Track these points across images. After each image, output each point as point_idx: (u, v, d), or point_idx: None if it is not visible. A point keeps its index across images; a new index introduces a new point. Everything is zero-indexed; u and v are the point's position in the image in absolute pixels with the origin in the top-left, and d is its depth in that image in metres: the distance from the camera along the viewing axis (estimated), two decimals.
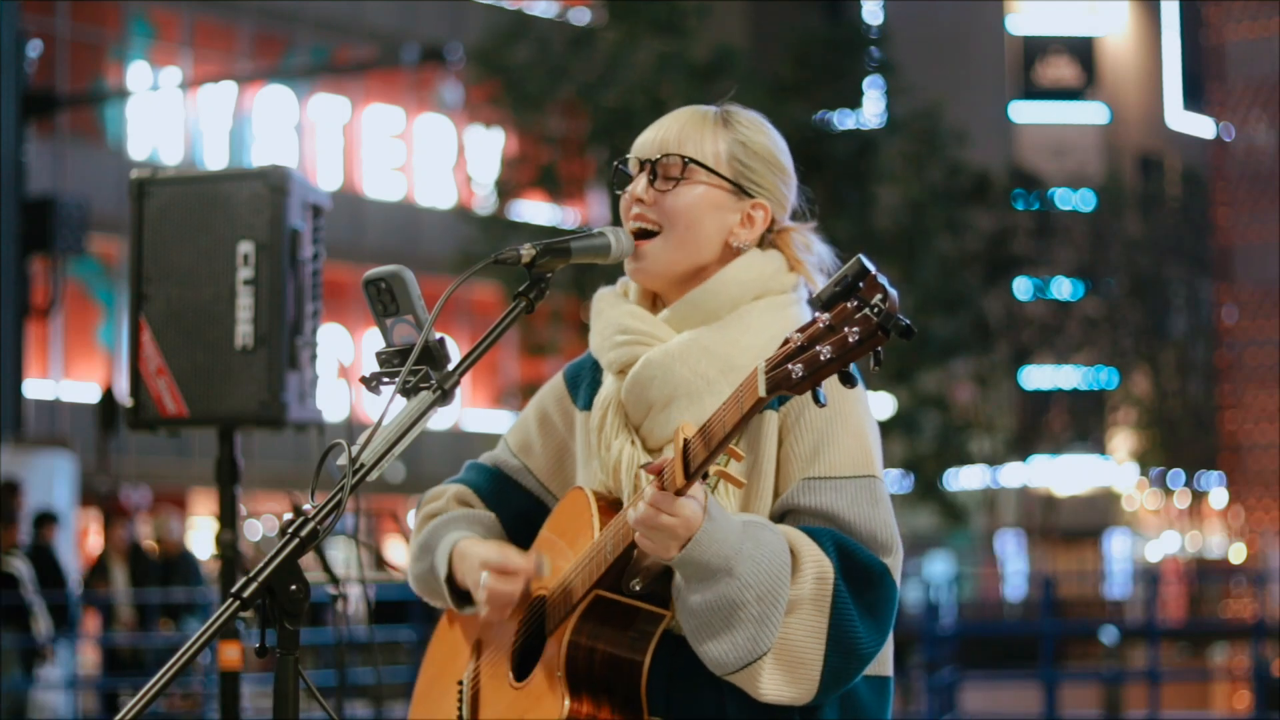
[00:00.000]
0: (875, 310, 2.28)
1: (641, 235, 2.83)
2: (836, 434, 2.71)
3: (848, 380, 2.33)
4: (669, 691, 2.74)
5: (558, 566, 2.81)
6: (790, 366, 2.34)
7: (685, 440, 2.52)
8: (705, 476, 2.54)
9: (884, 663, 2.76)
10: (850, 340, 2.29)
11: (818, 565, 2.62)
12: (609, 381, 2.87)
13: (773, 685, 2.60)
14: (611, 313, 2.89)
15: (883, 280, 2.29)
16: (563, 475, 3.01)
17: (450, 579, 2.95)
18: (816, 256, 2.89)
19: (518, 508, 3.03)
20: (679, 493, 2.53)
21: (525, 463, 3.03)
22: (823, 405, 2.36)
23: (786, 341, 2.37)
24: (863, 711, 2.74)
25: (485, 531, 3.00)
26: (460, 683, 2.99)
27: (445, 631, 3.09)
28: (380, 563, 5.44)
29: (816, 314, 2.34)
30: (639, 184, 2.84)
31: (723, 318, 2.80)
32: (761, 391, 2.39)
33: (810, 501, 2.69)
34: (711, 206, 2.82)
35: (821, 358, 2.31)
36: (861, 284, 2.30)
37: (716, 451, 2.48)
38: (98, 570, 13.46)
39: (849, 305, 2.30)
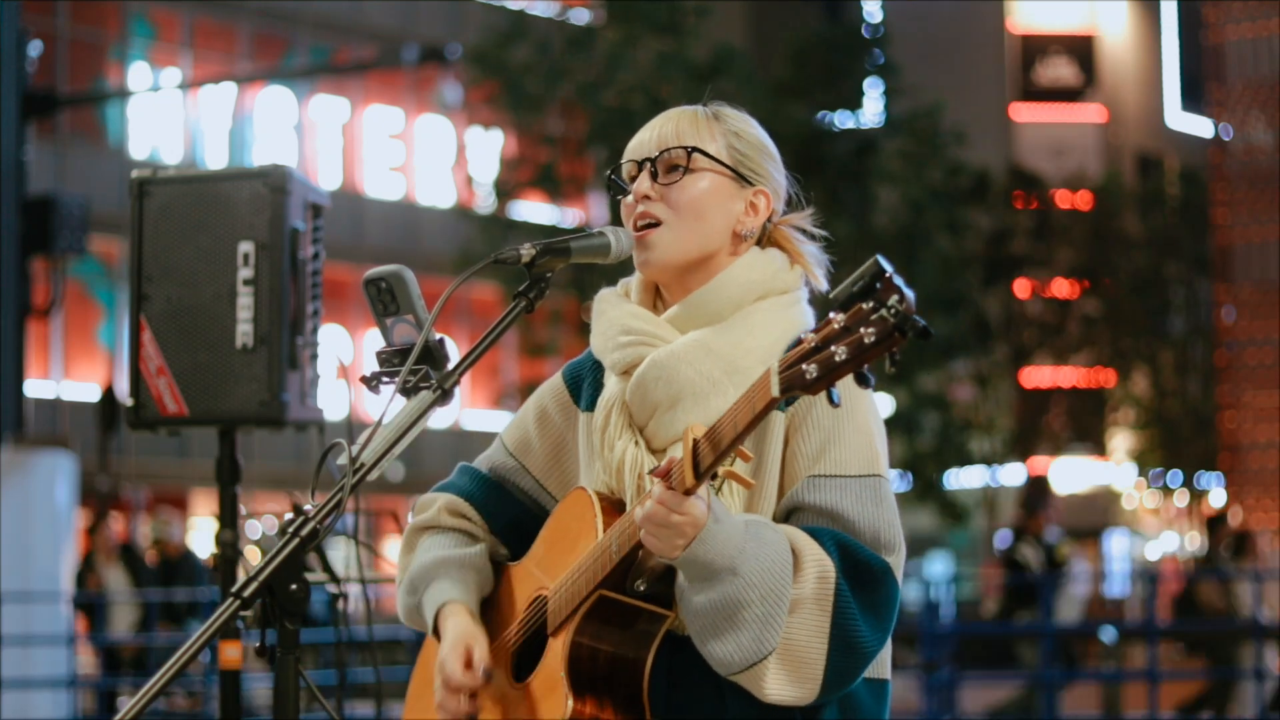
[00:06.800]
0: (892, 311, 2.27)
1: (647, 228, 2.82)
2: (843, 433, 2.72)
3: (862, 380, 2.32)
4: (670, 692, 2.74)
5: (561, 565, 2.81)
6: (804, 367, 2.34)
7: (695, 441, 2.52)
8: (714, 477, 2.55)
9: (883, 665, 2.77)
10: (866, 341, 2.29)
11: (819, 564, 2.62)
12: (613, 382, 2.87)
13: (777, 685, 2.61)
14: (614, 313, 2.88)
15: (899, 282, 2.28)
16: (561, 474, 2.99)
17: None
18: (811, 246, 2.89)
19: (511, 516, 3.00)
20: (687, 493, 2.53)
21: (523, 462, 3.01)
22: (836, 405, 2.35)
23: (800, 342, 2.36)
24: (862, 713, 2.75)
25: (475, 581, 2.94)
26: None
27: None
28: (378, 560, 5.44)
29: (831, 314, 2.34)
30: (643, 182, 2.83)
31: (726, 319, 2.80)
32: (775, 392, 2.39)
33: (815, 499, 2.69)
34: (717, 194, 2.82)
35: (836, 358, 2.31)
36: (878, 285, 2.30)
37: (726, 452, 2.48)
38: (85, 569, 13.40)
39: (865, 306, 2.30)
